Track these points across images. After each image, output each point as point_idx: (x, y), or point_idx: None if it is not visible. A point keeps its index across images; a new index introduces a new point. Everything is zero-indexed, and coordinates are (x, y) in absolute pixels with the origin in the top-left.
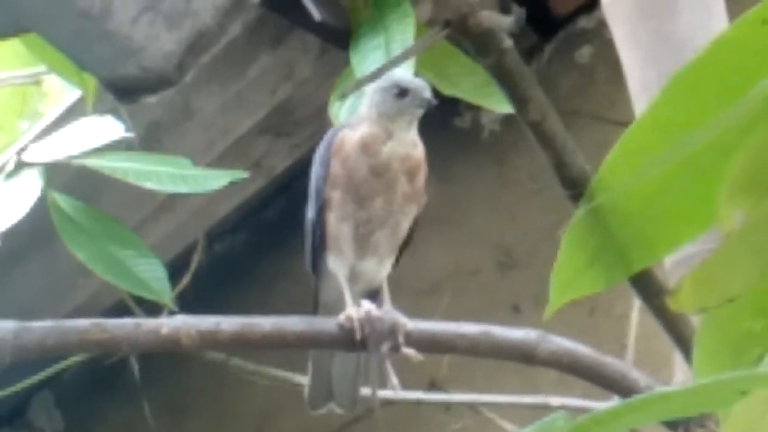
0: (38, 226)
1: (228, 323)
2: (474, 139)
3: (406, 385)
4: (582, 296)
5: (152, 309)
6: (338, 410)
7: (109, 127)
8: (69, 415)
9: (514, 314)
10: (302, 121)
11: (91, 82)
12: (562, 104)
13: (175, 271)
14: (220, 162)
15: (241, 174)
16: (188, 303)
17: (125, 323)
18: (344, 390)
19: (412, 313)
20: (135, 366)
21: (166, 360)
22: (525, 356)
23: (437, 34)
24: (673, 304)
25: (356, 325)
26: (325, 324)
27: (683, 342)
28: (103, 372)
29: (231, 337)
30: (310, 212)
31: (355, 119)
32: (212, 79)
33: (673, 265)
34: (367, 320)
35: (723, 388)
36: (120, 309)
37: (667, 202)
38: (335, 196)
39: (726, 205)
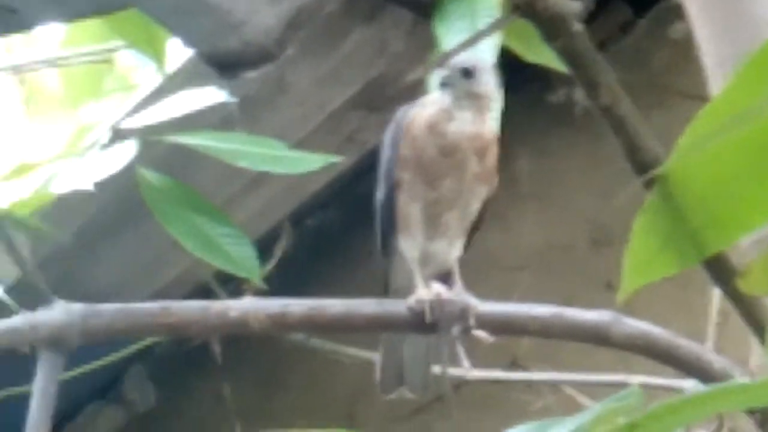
0: (129, 203)
1: (297, 306)
2: (567, 115)
3: (486, 364)
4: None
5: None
6: (409, 394)
7: (210, 96)
8: (161, 390)
9: (607, 291)
10: (395, 96)
11: (165, 57)
12: (655, 80)
13: (265, 247)
14: (313, 136)
15: (334, 158)
16: (279, 279)
17: (193, 307)
18: (415, 373)
19: (504, 289)
20: (216, 347)
21: (255, 338)
22: (599, 338)
23: (506, 18)
24: (743, 286)
25: (426, 307)
26: (396, 306)
27: (758, 326)
28: (195, 347)
29: (300, 320)
30: (380, 193)
31: (425, 99)
32: (307, 54)
33: (749, 246)
34: (438, 302)
35: None
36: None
37: (739, 184)
38: (405, 177)
39: None
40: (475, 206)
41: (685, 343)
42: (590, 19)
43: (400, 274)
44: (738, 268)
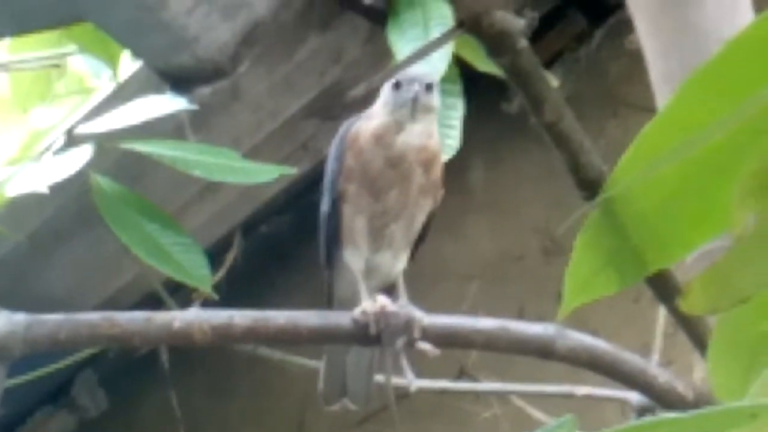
0: (82, 208)
1: (241, 317)
2: (522, 125)
3: (435, 373)
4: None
5: (188, 296)
6: (352, 406)
7: (167, 104)
8: (112, 395)
9: (559, 302)
10: (350, 104)
11: (119, 64)
12: (610, 91)
13: (217, 255)
14: (267, 143)
15: (288, 169)
16: (231, 287)
17: (136, 317)
18: (358, 385)
19: (455, 298)
20: (164, 353)
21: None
22: (543, 352)
23: (450, 34)
24: (684, 305)
25: (371, 319)
26: (340, 318)
27: (701, 342)
28: (146, 353)
29: (244, 332)
30: (325, 205)
31: (368, 111)
32: (261, 61)
33: (693, 262)
34: (382, 314)
35: (733, 414)
36: (166, 290)
37: (682, 202)
38: (350, 188)
39: (738, 206)
40: (420, 219)
41: (630, 358)
42: (546, 29)
43: (344, 285)
44: (681, 286)
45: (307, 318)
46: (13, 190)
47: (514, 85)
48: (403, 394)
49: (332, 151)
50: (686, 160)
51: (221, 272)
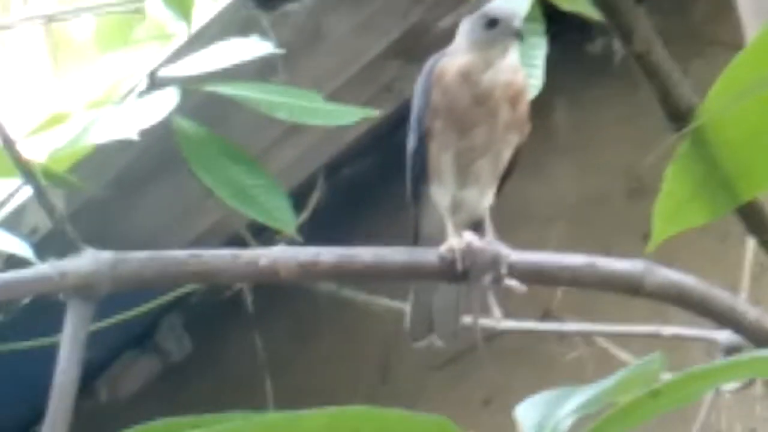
0: (165, 152)
1: (327, 254)
2: (606, 65)
3: (519, 314)
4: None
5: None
6: (439, 343)
7: (254, 47)
8: (196, 339)
9: (644, 243)
10: (432, 44)
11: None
12: (695, 30)
13: (301, 197)
14: (349, 85)
15: (371, 111)
16: (314, 230)
17: (223, 254)
18: (445, 322)
19: (539, 240)
20: (248, 296)
21: (288, 288)
22: (631, 288)
23: None
24: None
25: (457, 256)
26: (426, 255)
27: None
28: (230, 297)
29: (330, 268)
30: (411, 142)
31: (451, 48)
32: (343, 1)
33: None
34: (469, 251)
35: None
36: (250, 232)
37: None
38: (436, 125)
39: None
40: (507, 154)
41: (718, 294)
42: None
43: (431, 222)
44: None
45: (394, 254)
46: (100, 137)
47: (602, 14)
48: (487, 336)
49: (418, 88)
50: None
51: (305, 214)
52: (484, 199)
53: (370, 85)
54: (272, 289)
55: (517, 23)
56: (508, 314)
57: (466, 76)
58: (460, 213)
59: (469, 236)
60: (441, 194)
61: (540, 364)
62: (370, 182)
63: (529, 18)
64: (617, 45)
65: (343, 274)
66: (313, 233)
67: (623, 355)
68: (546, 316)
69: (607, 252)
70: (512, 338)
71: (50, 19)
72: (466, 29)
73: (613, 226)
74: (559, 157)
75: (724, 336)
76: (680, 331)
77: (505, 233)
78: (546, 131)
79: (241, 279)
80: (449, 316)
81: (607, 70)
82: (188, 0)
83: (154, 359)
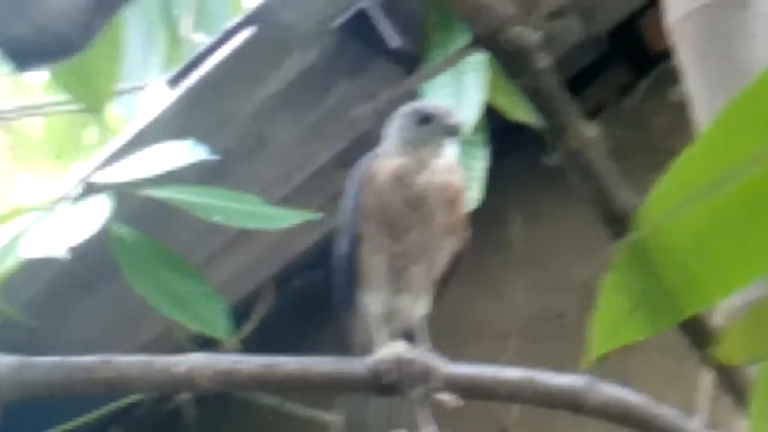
0: (103, 258)
1: (247, 362)
2: (563, 179)
3: (473, 431)
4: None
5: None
6: None
7: (190, 151)
8: None
9: (601, 362)
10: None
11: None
12: (654, 142)
13: (249, 308)
14: (296, 194)
15: (312, 215)
16: (263, 342)
17: (135, 361)
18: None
19: (493, 355)
20: (190, 412)
21: (233, 401)
22: (572, 405)
23: (465, 50)
24: (720, 354)
25: (387, 367)
26: (354, 365)
27: (739, 393)
28: (174, 410)
29: (250, 377)
30: (342, 246)
31: (382, 149)
32: (288, 107)
33: (734, 310)
34: (398, 363)
35: None
36: (198, 345)
37: (719, 240)
38: (369, 229)
39: None
40: (443, 260)
41: (665, 412)
42: (589, 80)
43: (362, 328)
44: (717, 333)
45: (320, 364)
46: (29, 251)
47: (534, 109)
48: None
49: (349, 189)
50: (724, 195)
51: (251, 325)
52: (418, 306)
53: (318, 194)
54: (215, 402)
55: (453, 120)
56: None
57: (400, 179)
58: (393, 321)
59: (399, 346)
60: (372, 301)
61: None
62: (320, 294)
63: (473, 128)
64: None
65: (265, 383)
66: (262, 345)
67: None
68: None
69: (562, 371)
70: None
71: (3, 116)
72: (397, 127)
73: (569, 343)
74: (513, 271)
75: None
76: None
77: (456, 348)
78: (500, 245)
79: (155, 387)
80: (383, 426)
81: (564, 184)
82: (104, 97)
83: None
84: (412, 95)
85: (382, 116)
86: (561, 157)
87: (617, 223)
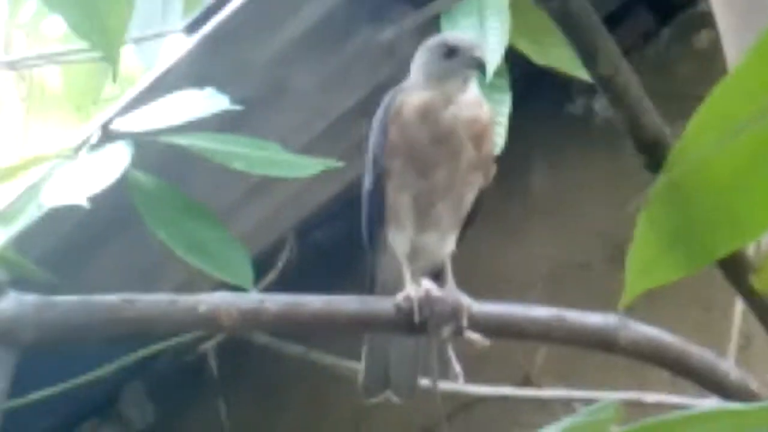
0: (123, 206)
1: (273, 301)
2: (586, 127)
3: (496, 379)
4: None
5: None
6: (395, 398)
7: (210, 100)
8: (160, 407)
9: (627, 312)
10: None
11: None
12: (679, 90)
13: (269, 258)
14: (318, 142)
15: (334, 163)
16: (285, 292)
17: (159, 300)
18: (402, 377)
19: None
20: (212, 360)
21: (255, 351)
22: (604, 344)
23: None
24: (758, 283)
25: (415, 305)
26: (381, 304)
27: None
28: (194, 361)
29: (276, 317)
30: (368, 183)
31: (408, 83)
32: (309, 55)
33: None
34: (427, 301)
35: None
36: None
37: (756, 176)
38: (395, 165)
39: None
40: (470, 197)
41: (698, 352)
42: (612, 26)
43: (388, 268)
44: (753, 265)
45: (346, 303)
46: (49, 200)
47: (565, 33)
48: (465, 403)
49: (375, 125)
50: (761, 130)
51: (273, 275)
52: (444, 245)
53: (339, 142)
54: (239, 352)
55: (478, 53)
56: (484, 379)
57: (426, 114)
58: (419, 260)
59: (427, 284)
60: (399, 239)
61: None
62: (342, 245)
63: (495, 73)
64: (598, 106)
65: (290, 323)
66: None
67: None
68: (526, 382)
69: None
70: (489, 406)
71: (18, 65)
72: (422, 60)
73: (594, 292)
74: (536, 220)
75: (710, 404)
76: (663, 398)
77: (479, 297)
78: (523, 193)
79: (179, 327)
80: (406, 370)
81: (587, 132)
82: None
83: (116, 428)
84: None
85: (400, 60)
86: (594, 82)
87: (649, 150)
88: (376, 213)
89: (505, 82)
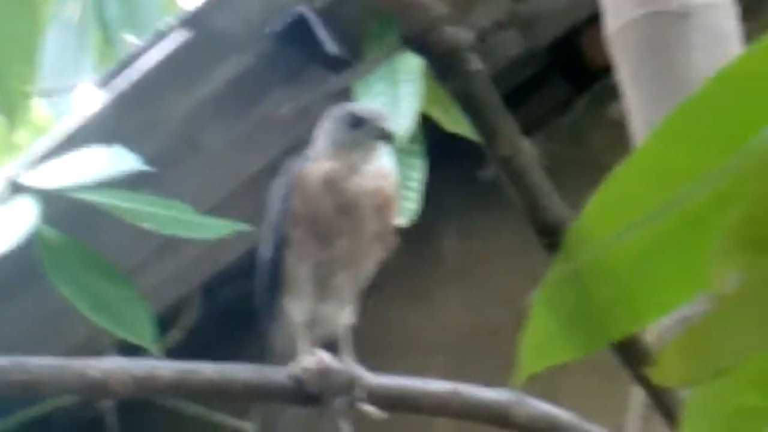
0: (29, 261)
1: (166, 368)
2: (497, 193)
3: None
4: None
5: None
6: None
7: (120, 159)
8: None
9: (530, 379)
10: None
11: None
12: (593, 159)
13: (176, 316)
14: (228, 202)
15: (242, 226)
16: (190, 351)
17: (50, 364)
18: None
19: (423, 371)
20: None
21: (155, 410)
22: (499, 419)
23: (392, 52)
24: (656, 376)
25: (310, 376)
26: (276, 374)
27: (669, 414)
28: (95, 419)
29: (169, 384)
30: (266, 251)
31: (312, 152)
32: (222, 114)
33: (666, 330)
34: (322, 372)
35: None
36: (123, 352)
37: (656, 259)
38: (296, 234)
39: (719, 264)
40: (370, 268)
41: (591, 429)
42: (528, 95)
43: (285, 338)
44: (653, 354)
45: (241, 371)
46: None
47: (464, 112)
48: None
49: (276, 192)
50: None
51: (178, 334)
52: (342, 315)
53: (251, 202)
54: (139, 410)
55: (385, 124)
56: None
57: (330, 184)
58: (317, 329)
59: (323, 355)
60: (297, 308)
61: None
62: (249, 304)
63: (410, 139)
64: None
65: (184, 390)
66: (188, 355)
67: None
68: None
69: (494, 387)
70: None
71: None
72: (328, 129)
73: (501, 361)
74: (446, 285)
75: None
76: None
77: (386, 362)
78: (434, 259)
79: (68, 392)
80: None
81: (499, 199)
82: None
83: None
84: (346, 100)
85: (313, 122)
86: (493, 165)
87: (550, 233)
88: (274, 282)
89: (419, 148)
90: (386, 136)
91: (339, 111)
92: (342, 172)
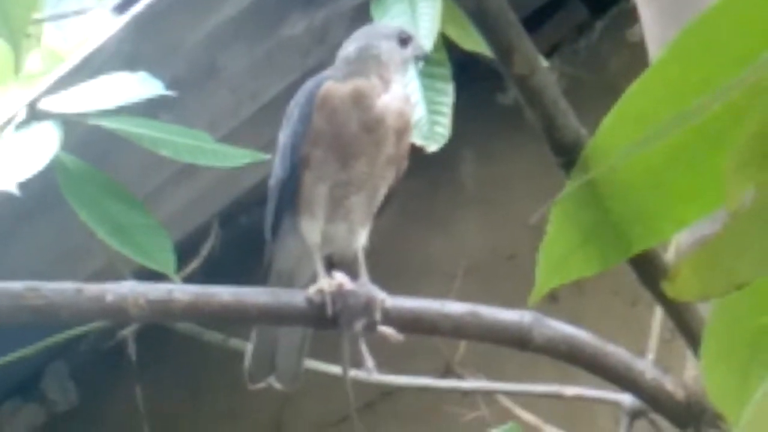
0: (47, 188)
1: (182, 292)
2: (517, 117)
3: (418, 370)
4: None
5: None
6: (278, 385)
7: (142, 84)
8: (83, 388)
9: (551, 303)
10: None
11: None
12: (611, 83)
13: (194, 244)
14: (246, 127)
15: (260, 155)
16: (209, 279)
17: (65, 288)
18: (287, 364)
19: (442, 295)
20: (131, 345)
21: (177, 336)
22: (518, 341)
23: None
24: (670, 290)
25: (327, 299)
26: (293, 297)
27: (691, 333)
28: (117, 346)
29: (185, 308)
30: (281, 171)
31: (338, 69)
32: (240, 37)
33: (686, 246)
34: (340, 294)
35: None
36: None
37: (673, 173)
38: (316, 153)
39: (733, 178)
40: (382, 191)
41: (614, 351)
42: (545, 18)
43: (287, 257)
44: (668, 268)
45: (257, 295)
46: None
47: (480, 31)
48: (385, 392)
49: (295, 111)
50: (681, 131)
51: (197, 262)
52: (353, 237)
53: (269, 126)
54: (159, 338)
55: (427, 44)
56: (405, 369)
57: (359, 100)
58: (326, 249)
59: (340, 277)
60: (310, 229)
61: (439, 424)
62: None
63: (434, 62)
64: None
65: (200, 314)
66: (206, 282)
67: (526, 416)
68: (447, 372)
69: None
70: (410, 395)
71: None
72: (370, 47)
73: (519, 284)
74: (465, 210)
75: (629, 399)
76: (583, 392)
77: (405, 286)
78: (452, 183)
79: (85, 317)
80: (292, 358)
81: (518, 123)
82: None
83: (38, 409)
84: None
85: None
86: (511, 84)
87: (566, 152)
88: (287, 202)
89: (446, 72)
90: (426, 56)
91: (385, 29)
92: (373, 88)
